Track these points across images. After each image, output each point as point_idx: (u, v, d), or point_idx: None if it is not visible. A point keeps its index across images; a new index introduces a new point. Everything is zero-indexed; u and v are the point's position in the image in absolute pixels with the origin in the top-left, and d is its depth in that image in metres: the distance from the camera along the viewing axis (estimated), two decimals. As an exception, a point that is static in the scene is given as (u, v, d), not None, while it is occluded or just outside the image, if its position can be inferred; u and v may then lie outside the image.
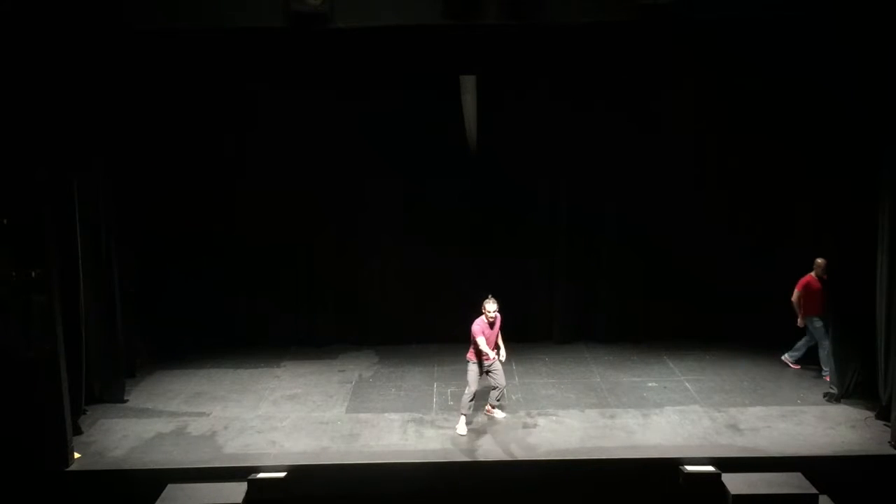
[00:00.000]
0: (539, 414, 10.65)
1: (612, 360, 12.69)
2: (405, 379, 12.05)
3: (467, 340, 10.13)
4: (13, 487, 9.17)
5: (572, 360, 12.70)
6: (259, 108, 12.58)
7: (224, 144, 12.73)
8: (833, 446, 9.69)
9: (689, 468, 9.20)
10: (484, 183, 13.01)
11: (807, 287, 11.54)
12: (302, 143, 12.78)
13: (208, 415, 10.88)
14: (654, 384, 11.69)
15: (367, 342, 13.44)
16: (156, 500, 8.86)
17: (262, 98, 12.46)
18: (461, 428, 10.14)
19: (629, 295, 13.33)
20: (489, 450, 9.74)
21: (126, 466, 9.50)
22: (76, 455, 9.60)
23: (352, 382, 11.97)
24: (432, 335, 13.29)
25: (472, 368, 10.18)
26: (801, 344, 11.99)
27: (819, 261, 11.49)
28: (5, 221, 9.03)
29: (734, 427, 10.22)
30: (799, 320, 11.67)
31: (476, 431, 10.18)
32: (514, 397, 11.21)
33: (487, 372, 10.24)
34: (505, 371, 10.45)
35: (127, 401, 11.30)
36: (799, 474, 9.06)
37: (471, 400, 10.19)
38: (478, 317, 10.10)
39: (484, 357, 10.09)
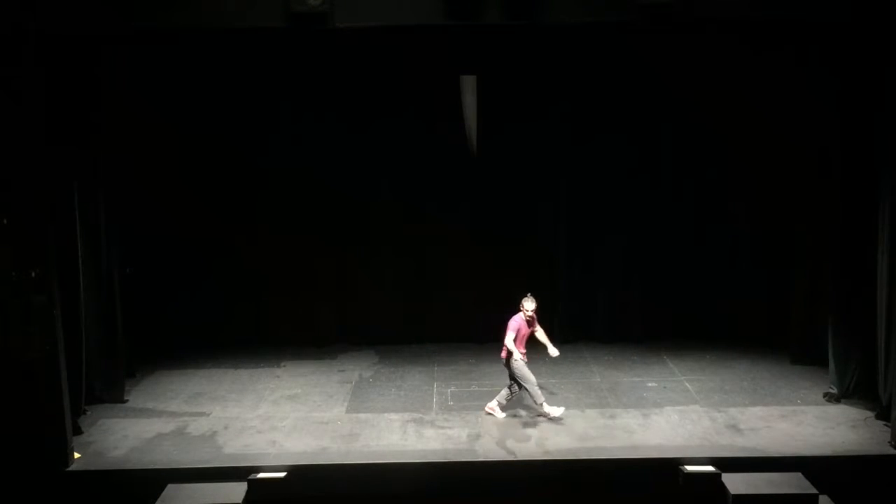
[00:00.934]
0: (539, 414, 10.65)
1: (612, 360, 12.69)
2: (405, 379, 12.05)
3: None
4: (13, 487, 9.16)
5: (572, 360, 12.66)
6: (261, 110, 12.58)
7: (224, 145, 12.70)
8: (833, 446, 9.68)
9: (689, 468, 9.19)
10: (484, 183, 13.00)
11: None
12: (302, 145, 12.78)
13: (208, 415, 10.87)
14: (654, 384, 11.69)
15: (366, 342, 13.43)
16: (156, 500, 8.85)
17: (266, 100, 12.49)
18: (556, 411, 10.28)
19: (629, 295, 13.32)
20: (489, 450, 9.74)
21: (126, 466, 9.48)
22: (76, 455, 9.59)
23: (352, 382, 11.97)
24: (432, 335, 13.27)
25: (518, 365, 10.21)
26: None
27: None
28: (5, 221, 9.01)
29: (734, 427, 10.22)
30: None
31: (476, 431, 10.18)
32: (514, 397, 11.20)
33: (507, 367, 10.31)
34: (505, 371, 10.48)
35: (127, 401, 11.29)
36: (799, 474, 9.05)
37: (539, 390, 10.28)
38: (515, 313, 10.31)
39: (522, 354, 10.18)
